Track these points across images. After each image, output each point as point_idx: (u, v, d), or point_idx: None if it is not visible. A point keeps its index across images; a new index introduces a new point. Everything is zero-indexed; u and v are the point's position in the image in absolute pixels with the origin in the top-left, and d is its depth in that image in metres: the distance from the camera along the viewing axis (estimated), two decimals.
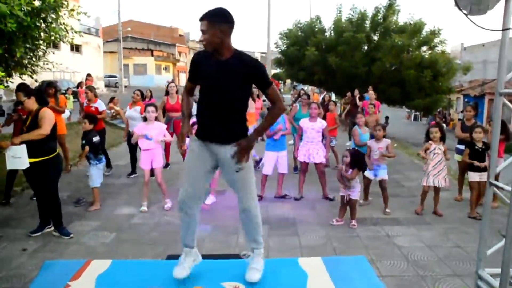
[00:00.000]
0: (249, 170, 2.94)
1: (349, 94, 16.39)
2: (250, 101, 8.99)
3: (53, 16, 7.03)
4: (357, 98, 14.13)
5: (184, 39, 66.00)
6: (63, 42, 7.91)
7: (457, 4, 2.62)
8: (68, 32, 7.60)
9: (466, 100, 34.97)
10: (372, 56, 18.93)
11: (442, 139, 6.27)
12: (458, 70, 19.55)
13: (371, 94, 12.12)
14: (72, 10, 7.34)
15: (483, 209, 3.21)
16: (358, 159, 5.72)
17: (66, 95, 17.75)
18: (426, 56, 18.98)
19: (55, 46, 32.54)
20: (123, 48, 51.79)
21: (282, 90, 37.65)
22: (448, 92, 20.74)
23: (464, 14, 2.64)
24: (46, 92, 7.92)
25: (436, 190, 6.31)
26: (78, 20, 8.08)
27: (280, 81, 36.35)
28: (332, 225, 5.75)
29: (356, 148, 6.06)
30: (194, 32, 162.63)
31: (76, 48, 35.66)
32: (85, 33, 37.50)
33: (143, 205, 6.40)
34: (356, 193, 5.73)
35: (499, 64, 2.77)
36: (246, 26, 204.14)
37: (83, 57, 36.35)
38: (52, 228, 5.43)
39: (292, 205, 6.73)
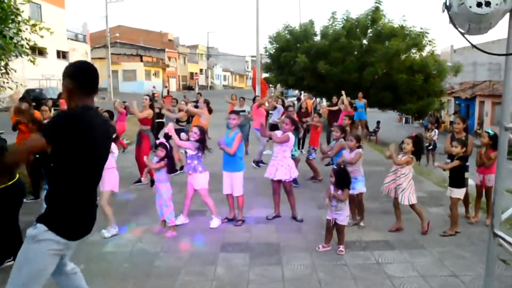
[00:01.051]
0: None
1: (334, 98, 16.06)
2: None
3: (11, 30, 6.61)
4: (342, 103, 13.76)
5: (173, 44, 65.51)
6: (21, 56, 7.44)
7: (452, 22, 2.22)
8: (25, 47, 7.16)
9: (457, 102, 34.88)
10: (363, 61, 18.61)
11: (416, 153, 5.91)
12: (449, 72, 19.32)
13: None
14: (34, 25, 6.90)
15: (486, 266, 2.79)
16: (345, 177, 5.33)
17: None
18: (417, 58, 18.72)
19: (41, 53, 32.06)
20: (112, 54, 51.31)
21: (272, 94, 37.38)
22: (439, 95, 20.53)
23: (461, 34, 2.24)
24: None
25: (396, 204, 6.08)
26: (41, 37, 7.63)
27: (271, 86, 35.97)
28: (318, 251, 5.33)
29: (342, 166, 5.67)
30: (184, 37, 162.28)
31: (62, 55, 35.11)
32: (72, 39, 37.07)
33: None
34: (343, 217, 5.32)
35: (504, 93, 2.37)
36: (237, 29, 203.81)
37: None
38: (13, 261, 4.97)
39: (277, 227, 6.30)
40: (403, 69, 17.72)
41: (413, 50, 19.12)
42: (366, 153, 12.50)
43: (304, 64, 18.61)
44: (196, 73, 68.50)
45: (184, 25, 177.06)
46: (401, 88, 17.93)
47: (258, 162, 10.47)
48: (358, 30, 19.04)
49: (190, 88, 62.32)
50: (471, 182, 6.50)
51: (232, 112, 6.99)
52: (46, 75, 30.61)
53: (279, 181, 6.51)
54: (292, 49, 20.24)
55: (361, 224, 6.28)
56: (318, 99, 20.84)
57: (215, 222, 6.32)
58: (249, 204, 6.97)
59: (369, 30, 19.09)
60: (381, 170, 10.30)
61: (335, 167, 5.59)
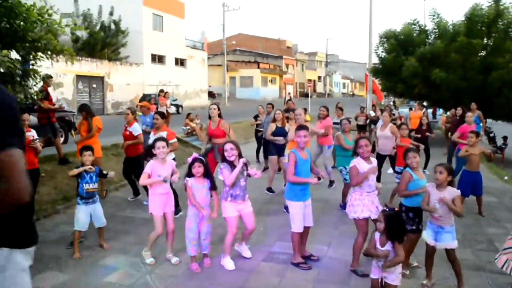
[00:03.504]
0: None
1: (452, 111, 13.73)
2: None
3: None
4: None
5: (291, 51, 65.49)
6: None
7: None
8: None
9: None
10: (488, 63, 15.64)
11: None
12: None
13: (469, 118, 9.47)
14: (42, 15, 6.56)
15: None
16: (398, 225, 3.81)
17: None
18: None
19: (160, 60, 34.10)
20: (231, 61, 53.02)
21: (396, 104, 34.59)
22: None
23: None
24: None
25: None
26: (62, 31, 7.28)
27: (386, 94, 33.23)
28: None
29: (397, 208, 4.08)
30: (303, 44, 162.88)
31: (180, 62, 36.90)
32: (191, 47, 38.84)
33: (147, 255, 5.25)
34: (395, 276, 3.83)
35: None
36: (358, 35, 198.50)
37: (187, 70, 37.47)
38: None
39: (320, 271, 4.94)
40: None
41: None
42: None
43: (413, 69, 16.30)
44: (309, 80, 67.48)
45: (303, 32, 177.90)
46: None
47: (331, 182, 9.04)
48: (481, 26, 16.06)
49: (306, 95, 61.56)
50: None
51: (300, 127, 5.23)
52: (163, 81, 32.31)
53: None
54: (398, 51, 17.91)
55: None
56: (428, 110, 18.21)
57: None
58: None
59: (496, 27, 15.97)
60: (492, 201, 8.18)
61: (386, 208, 4.07)
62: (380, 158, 8.21)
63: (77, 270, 4.97)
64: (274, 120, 8.48)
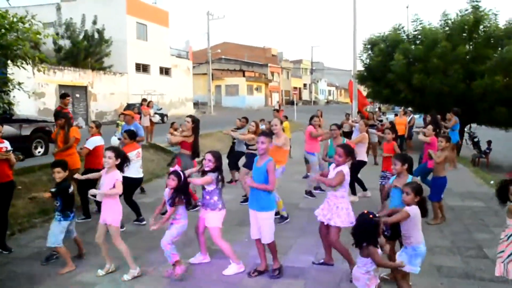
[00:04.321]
0: None
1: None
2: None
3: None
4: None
5: (276, 59, 65.71)
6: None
7: None
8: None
9: None
10: (470, 71, 15.77)
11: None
12: None
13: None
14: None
15: None
16: (367, 230, 3.59)
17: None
18: None
19: (145, 70, 33.80)
20: (216, 69, 52.91)
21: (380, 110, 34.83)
22: None
23: None
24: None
25: None
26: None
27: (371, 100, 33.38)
28: None
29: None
30: (287, 52, 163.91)
31: (165, 71, 36.66)
32: (176, 56, 38.63)
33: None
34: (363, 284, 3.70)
35: None
36: (343, 43, 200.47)
37: (172, 79, 37.24)
38: None
39: (307, 283, 4.78)
40: None
41: None
42: (462, 182, 10.31)
43: (399, 69, 16.31)
44: (294, 88, 67.75)
45: (288, 40, 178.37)
46: None
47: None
48: (463, 32, 16.21)
49: (292, 103, 61.73)
50: None
51: (262, 134, 5.33)
52: (148, 90, 32.02)
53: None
54: (385, 55, 17.92)
55: None
56: (416, 116, 18.20)
57: (231, 269, 5.05)
58: (287, 247, 5.59)
59: (479, 34, 16.12)
60: (479, 206, 8.13)
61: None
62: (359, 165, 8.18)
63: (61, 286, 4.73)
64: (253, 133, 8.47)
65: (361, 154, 8.19)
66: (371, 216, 3.59)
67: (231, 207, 6.64)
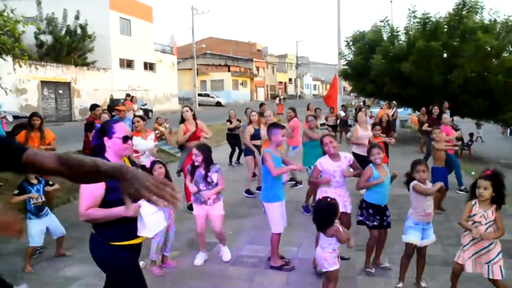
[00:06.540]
0: None
1: (423, 110, 14.70)
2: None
3: None
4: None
5: (262, 54, 65.69)
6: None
7: None
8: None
9: None
10: (450, 63, 16.02)
11: (497, 200, 4.02)
12: None
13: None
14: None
15: None
16: (323, 215, 3.87)
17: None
18: None
19: (129, 65, 33.50)
20: (201, 64, 52.69)
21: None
22: None
23: None
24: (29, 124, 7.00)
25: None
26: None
27: (356, 95, 33.70)
28: None
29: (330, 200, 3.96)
30: (272, 47, 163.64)
31: (150, 66, 36.38)
32: (160, 51, 38.35)
33: None
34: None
35: None
36: (328, 37, 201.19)
37: (156, 75, 36.97)
38: None
39: (290, 277, 4.83)
40: (502, 71, 14.79)
41: None
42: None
43: (381, 65, 16.52)
44: (280, 83, 67.87)
45: (273, 35, 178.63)
46: (497, 94, 15.02)
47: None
48: (441, 30, 16.47)
49: (276, 97, 61.87)
50: None
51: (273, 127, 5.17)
52: (132, 86, 31.76)
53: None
54: (367, 53, 18.14)
55: (422, 285, 4.53)
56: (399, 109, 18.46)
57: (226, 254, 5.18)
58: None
59: (459, 29, 16.34)
60: (460, 197, 8.30)
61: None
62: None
63: (35, 283, 4.71)
64: (250, 122, 8.71)
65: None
66: (328, 200, 3.87)
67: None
